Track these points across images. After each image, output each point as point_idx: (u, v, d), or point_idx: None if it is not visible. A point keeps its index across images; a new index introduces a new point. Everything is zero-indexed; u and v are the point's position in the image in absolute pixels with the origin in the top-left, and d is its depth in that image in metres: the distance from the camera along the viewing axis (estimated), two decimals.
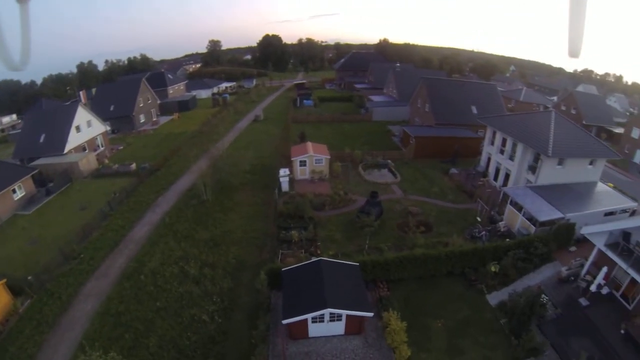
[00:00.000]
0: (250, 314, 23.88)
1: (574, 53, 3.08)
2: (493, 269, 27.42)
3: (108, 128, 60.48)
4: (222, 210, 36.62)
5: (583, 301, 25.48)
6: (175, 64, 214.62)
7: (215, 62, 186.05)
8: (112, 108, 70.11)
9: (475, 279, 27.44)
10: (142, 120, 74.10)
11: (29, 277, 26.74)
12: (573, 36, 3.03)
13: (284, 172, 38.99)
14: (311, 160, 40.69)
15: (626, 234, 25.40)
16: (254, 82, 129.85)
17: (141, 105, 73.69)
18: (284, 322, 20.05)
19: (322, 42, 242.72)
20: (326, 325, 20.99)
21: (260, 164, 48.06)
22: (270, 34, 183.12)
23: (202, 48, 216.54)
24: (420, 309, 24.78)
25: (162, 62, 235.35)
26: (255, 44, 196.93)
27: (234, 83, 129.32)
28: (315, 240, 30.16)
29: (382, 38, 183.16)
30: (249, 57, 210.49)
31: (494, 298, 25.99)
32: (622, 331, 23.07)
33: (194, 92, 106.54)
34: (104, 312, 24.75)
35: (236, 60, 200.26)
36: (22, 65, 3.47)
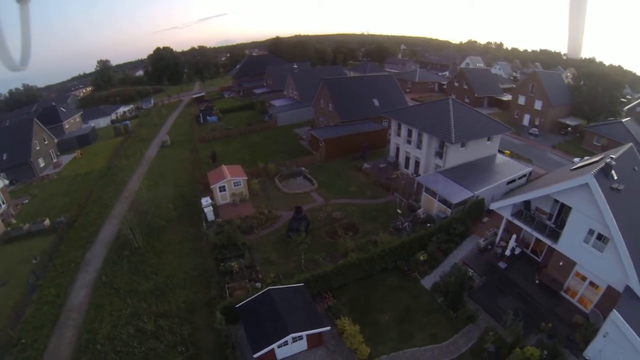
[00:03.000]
0: (216, 355, 25.77)
1: (573, 52, 3.34)
2: (422, 257, 32.72)
3: (6, 182, 55.99)
4: (157, 255, 37.15)
5: (501, 264, 32.17)
6: (62, 90, 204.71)
7: (107, 83, 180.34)
8: (4, 157, 65.55)
9: (407, 269, 32.38)
10: (42, 165, 69.62)
11: None
12: (573, 36, 3.22)
13: (205, 201, 40.76)
14: (229, 184, 42.99)
15: (527, 203, 32.29)
16: (152, 101, 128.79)
17: (38, 148, 69.24)
18: (255, 356, 22.63)
19: (214, 46, 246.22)
20: (290, 346, 24.15)
21: (180, 195, 48.83)
22: (161, 46, 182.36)
23: (89, 68, 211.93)
24: (366, 308, 28.84)
25: (48, 88, 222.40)
26: (146, 57, 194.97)
27: (132, 106, 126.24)
28: (254, 266, 32.75)
29: (274, 36, 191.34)
30: (141, 72, 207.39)
31: (428, 281, 31.14)
32: (537, 281, 30.11)
33: (91, 123, 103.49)
34: None
35: (129, 79, 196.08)
36: (22, 66, 3.75)
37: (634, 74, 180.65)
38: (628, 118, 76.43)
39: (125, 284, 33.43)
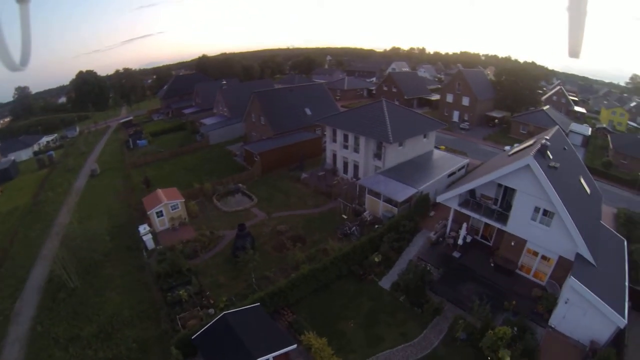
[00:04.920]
0: None
1: (574, 53, 3.33)
2: (376, 259, 32.90)
3: None
4: (97, 293, 34.19)
5: (456, 254, 33.32)
6: None
7: (27, 112, 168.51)
8: None
9: (363, 272, 32.29)
10: None
11: None
12: (573, 37, 3.25)
13: (143, 228, 38.66)
14: (167, 208, 41.11)
15: (472, 192, 33.58)
16: (77, 129, 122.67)
17: None
18: None
19: (139, 68, 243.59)
20: None
21: (115, 226, 45.68)
22: (84, 70, 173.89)
23: (6, 97, 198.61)
24: (329, 319, 28.30)
25: None
26: (68, 82, 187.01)
27: (56, 135, 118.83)
28: (204, 292, 31.16)
29: (200, 55, 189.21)
30: (63, 99, 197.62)
31: (386, 282, 31.30)
32: (492, 264, 31.54)
33: (11, 156, 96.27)
34: None
35: (51, 107, 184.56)
36: (22, 66, 3.73)
37: (546, 68, 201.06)
38: (547, 106, 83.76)
39: (65, 331, 30.05)
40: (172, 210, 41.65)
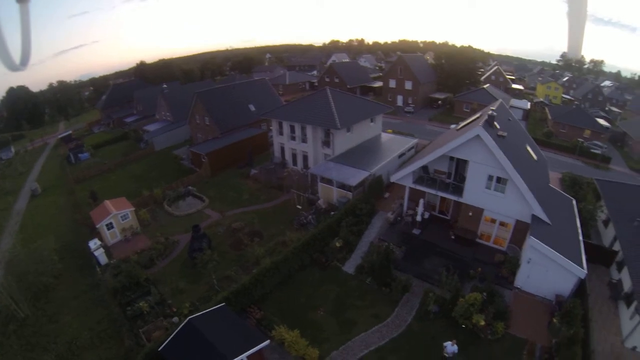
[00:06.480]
0: None
1: (574, 53, 3.87)
2: (337, 244, 32.73)
3: None
4: (51, 320, 31.58)
5: (415, 231, 33.85)
6: None
7: None
8: None
9: (325, 259, 32.13)
10: None
11: None
12: (573, 39, 3.83)
13: (94, 244, 36.81)
14: (117, 219, 39.28)
15: (425, 168, 34.08)
16: (13, 150, 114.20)
17: None
18: None
19: (75, 80, 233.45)
20: None
21: (64, 245, 42.74)
22: (15, 86, 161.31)
23: None
24: (298, 310, 27.84)
25: None
26: None
27: None
28: (165, 301, 29.94)
29: (138, 62, 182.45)
30: None
31: (350, 266, 31.27)
32: (452, 237, 32.31)
33: None
34: None
35: None
36: (22, 66, 3.82)
37: (482, 51, 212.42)
38: (487, 85, 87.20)
39: None
40: (123, 220, 39.80)
